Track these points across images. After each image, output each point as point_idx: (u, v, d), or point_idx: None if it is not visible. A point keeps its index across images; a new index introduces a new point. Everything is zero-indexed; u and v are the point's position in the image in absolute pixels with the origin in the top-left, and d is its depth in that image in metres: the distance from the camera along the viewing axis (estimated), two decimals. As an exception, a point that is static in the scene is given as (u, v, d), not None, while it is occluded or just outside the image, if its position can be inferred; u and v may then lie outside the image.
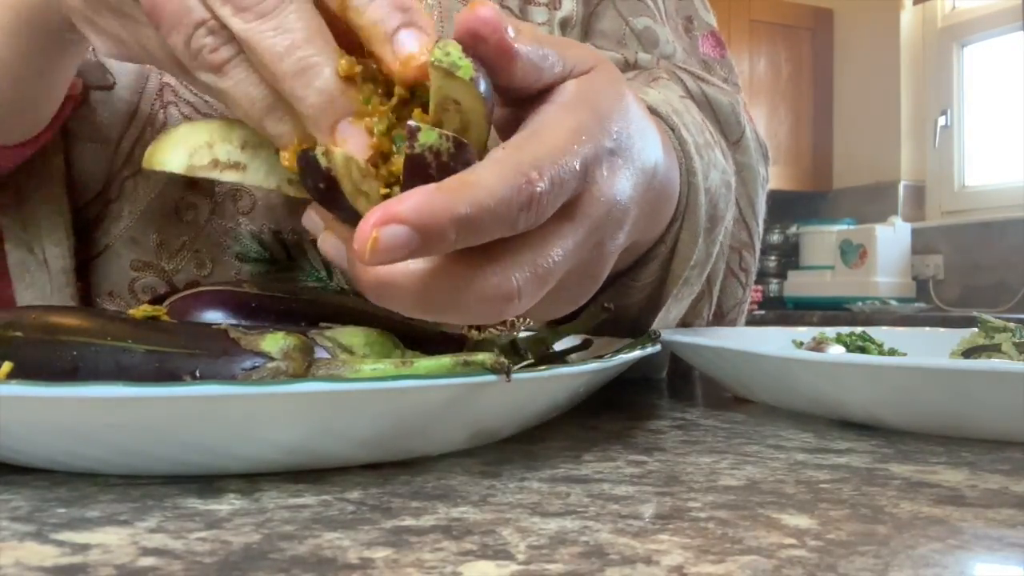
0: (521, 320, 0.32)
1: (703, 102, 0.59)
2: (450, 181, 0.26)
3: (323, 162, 0.28)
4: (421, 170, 0.27)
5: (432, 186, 0.25)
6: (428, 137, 0.27)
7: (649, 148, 0.35)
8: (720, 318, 0.61)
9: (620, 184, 0.31)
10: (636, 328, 0.53)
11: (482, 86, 0.28)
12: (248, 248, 0.51)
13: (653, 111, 0.48)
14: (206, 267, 0.51)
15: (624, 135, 0.32)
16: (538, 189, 0.27)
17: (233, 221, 0.51)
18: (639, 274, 0.50)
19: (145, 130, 0.50)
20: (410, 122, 0.27)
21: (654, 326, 0.50)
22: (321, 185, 0.28)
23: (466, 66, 0.27)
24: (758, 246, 0.63)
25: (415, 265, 0.27)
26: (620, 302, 0.52)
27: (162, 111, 0.50)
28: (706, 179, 0.49)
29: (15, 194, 0.48)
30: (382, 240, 0.24)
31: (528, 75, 0.30)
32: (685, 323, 0.56)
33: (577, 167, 0.28)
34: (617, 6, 0.62)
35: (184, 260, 0.50)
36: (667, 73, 0.59)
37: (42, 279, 0.48)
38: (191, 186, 0.50)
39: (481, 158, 0.28)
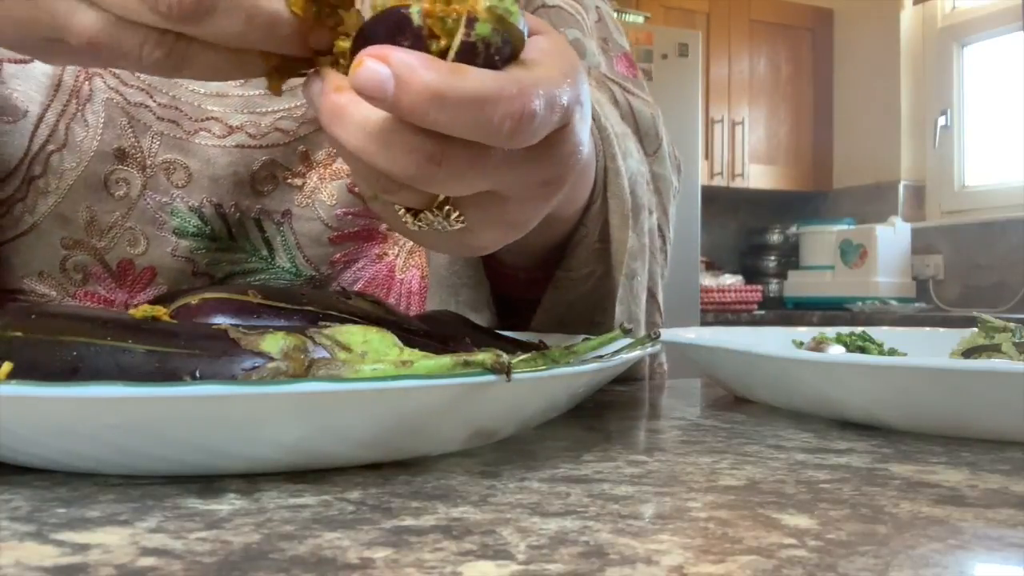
0: (456, 215, 0.33)
1: (627, 111, 0.61)
2: (451, 64, 0.27)
3: (416, 20, 0.28)
4: (470, 58, 0.28)
5: (433, 58, 0.27)
6: (483, 29, 0.28)
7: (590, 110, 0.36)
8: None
9: (583, 133, 0.33)
10: (592, 331, 0.53)
11: (523, 25, 0.29)
12: (186, 222, 0.50)
13: None
14: (140, 244, 0.50)
15: (585, 93, 0.33)
16: (533, 105, 0.28)
17: (168, 196, 0.50)
18: (571, 263, 0.51)
19: (70, 102, 0.48)
20: (470, 11, 0.28)
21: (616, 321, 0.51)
22: (406, 43, 0.28)
23: (516, 12, 0.29)
24: (669, 253, 0.65)
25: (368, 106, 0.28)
26: (561, 298, 0.53)
27: (87, 83, 0.48)
28: (624, 163, 0.51)
29: None
30: (364, 66, 0.26)
31: None
32: None
33: (566, 102, 0.30)
34: (550, 16, 0.63)
35: (116, 237, 0.49)
36: (596, 80, 0.61)
37: None
38: (121, 159, 0.49)
39: None
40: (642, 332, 0.54)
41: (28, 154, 0.48)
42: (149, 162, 0.49)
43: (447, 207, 0.32)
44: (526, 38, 0.30)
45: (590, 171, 0.46)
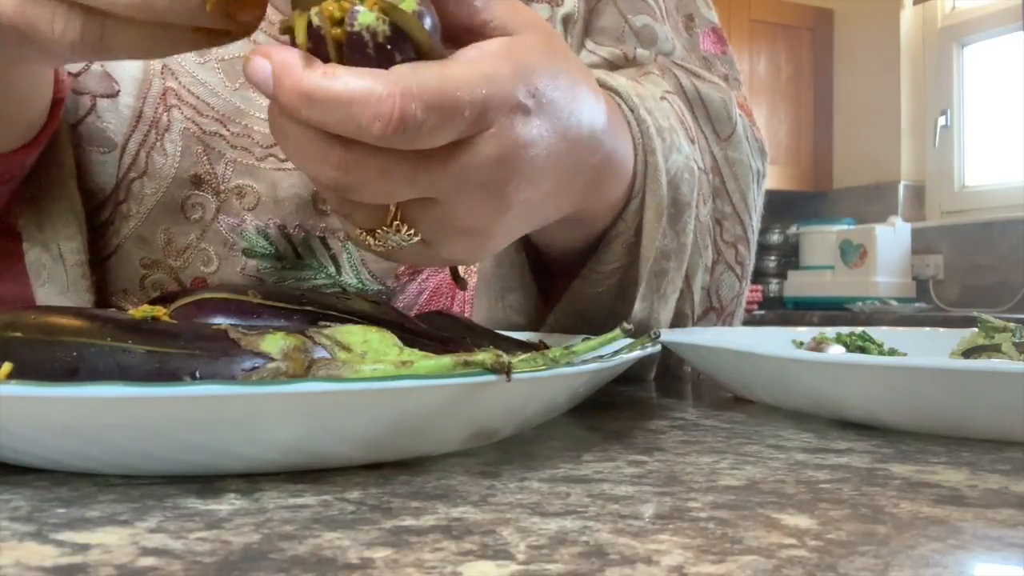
0: (407, 230, 0.33)
1: (695, 98, 0.60)
2: (328, 66, 0.28)
3: (315, 21, 0.28)
4: (360, 48, 0.28)
5: (311, 58, 0.28)
6: (366, 18, 0.28)
7: (580, 114, 0.35)
8: (720, 311, 0.62)
9: (527, 136, 0.32)
10: (611, 321, 0.53)
11: (427, 22, 0.29)
12: (254, 244, 0.52)
13: (614, 91, 0.50)
14: (212, 264, 0.52)
15: (546, 95, 0.33)
16: (408, 108, 0.28)
17: (239, 218, 0.52)
18: (604, 256, 0.51)
19: (150, 133, 0.51)
20: (355, 7, 0.28)
21: (634, 317, 0.51)
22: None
23: (408, 0, 0.28)
24: (753, 239, 0.63)
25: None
26: (588, 290, 0.53)
27: (165, 114, 0.51)
28: (667, 159, 0.50)
29: (31, 197, 0.49)
30: (251, 61, 0.29)
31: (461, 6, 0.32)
32: (671, 324, 0.56)
33: (466, 108, 0.29)
34: (617, 4, 0.62)
35: (191, 257, 0.51)
36: (659, 69, 0.60)
37: (58, 273, 0.49)
38: (197, 185, 0.51)
39: None
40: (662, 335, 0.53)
41: (118, 182, 0.51)
42: (222, 187, 0.51)
43: (395, 223, 0.33)
44: (429, 28, 0.29)
45: (619, 170, 0.45)
